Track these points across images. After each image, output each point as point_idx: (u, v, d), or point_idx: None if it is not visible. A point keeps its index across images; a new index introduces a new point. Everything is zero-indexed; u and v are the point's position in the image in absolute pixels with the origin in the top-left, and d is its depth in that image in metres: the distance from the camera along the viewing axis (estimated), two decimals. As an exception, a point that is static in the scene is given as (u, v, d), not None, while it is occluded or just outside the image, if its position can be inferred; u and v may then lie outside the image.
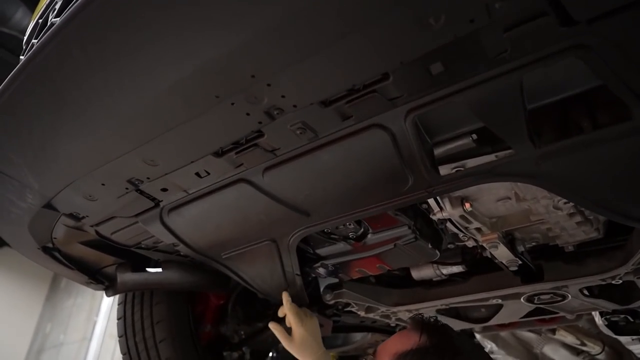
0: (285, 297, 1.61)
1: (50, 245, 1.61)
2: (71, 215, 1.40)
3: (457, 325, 1.99)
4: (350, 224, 1.42)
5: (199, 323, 2.08)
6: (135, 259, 1.75)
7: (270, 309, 2.20)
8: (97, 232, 1.50)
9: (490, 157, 1.06)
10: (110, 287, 1.85)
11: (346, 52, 0.81)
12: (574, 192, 1.03)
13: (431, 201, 1.30)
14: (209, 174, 1.20)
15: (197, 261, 1.64)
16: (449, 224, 1.40)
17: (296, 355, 1.60)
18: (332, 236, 1.50)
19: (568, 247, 1.46)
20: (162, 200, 1.33)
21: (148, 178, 1.21)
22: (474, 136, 1.05)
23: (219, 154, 1.13)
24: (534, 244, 1.49)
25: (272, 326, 1.60)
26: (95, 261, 1.77)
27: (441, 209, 1.30)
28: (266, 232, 1.40)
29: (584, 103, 0.95)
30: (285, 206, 1.26)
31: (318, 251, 1.59)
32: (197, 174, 1.20)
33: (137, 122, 1.01)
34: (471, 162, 1.09)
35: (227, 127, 1.03)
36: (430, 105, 0.94)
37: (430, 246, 1.44)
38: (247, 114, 0.98)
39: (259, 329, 2.20)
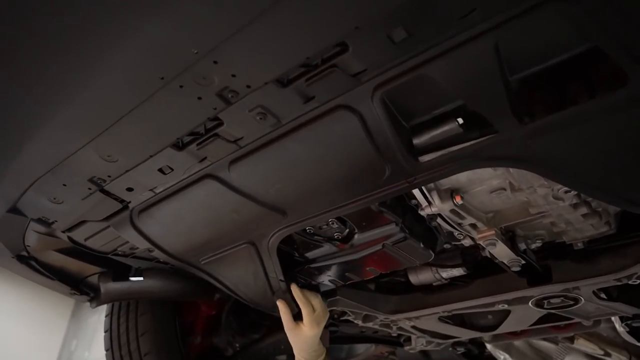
0: (294, 287, 1.49)
1: (24, 253, 1.54)
2: (40, 221, 1.34)
3: (463, 334, 1.86)
4: (333, 224, 1.32)
5: (189, 334, 1.99)
6: (116, 268, 1.67)
7: (266, 320, 2.10)
8: (70, 239, 1.43)
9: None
10: (94, 298, 1.78)
11: (292, 17, 0.72)
12: (571, 175, 0.91)
13: (419, 195, 1.19)
14: (173, 170, 1.12)
15: (179, 268, 1.55)
16: (440, 221, 1.29)
17: (296, 345, 1.51)
18: (316, 237, 1.40)
19: (577, 244, 1.33)
20: (130, 202, 1.25)
21: (109, 176, 1.13)
22: (460, 120, 0.95)
23: (179, 146, 1.05)
24: (538, 241, 1.36)
25: (280, 304, 1.49)
26: (77, 271, 1.71)
27: (429, 203, 1.19)
28: (242, 234, 1.31)
29: (576, 71, 0.84)
30: (257, 204, 1.17)
31: (304, 254, 1.49)
32: (161, 171, 1.12)
33: (84, 111, 0.94)
34: (455, 147, 0.98)
35: (180, 114, 0.94)
36: (398, 80, 0.84)
37: (422, 246, 1.32)
38: (199, 98, 0.89)
39: (255, 340, 2.10)
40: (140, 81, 0.86)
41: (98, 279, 1.68)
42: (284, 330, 1.69)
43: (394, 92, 0.87)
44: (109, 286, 1.68)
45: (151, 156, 1.06)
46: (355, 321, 1.82)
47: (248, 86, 0.87)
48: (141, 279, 1.64)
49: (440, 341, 1.99)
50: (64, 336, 7.46)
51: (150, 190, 1.20)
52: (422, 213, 1.23)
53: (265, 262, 1.40)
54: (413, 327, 1.85)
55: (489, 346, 2.08)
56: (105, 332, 1.88)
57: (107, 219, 1.32)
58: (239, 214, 1.21)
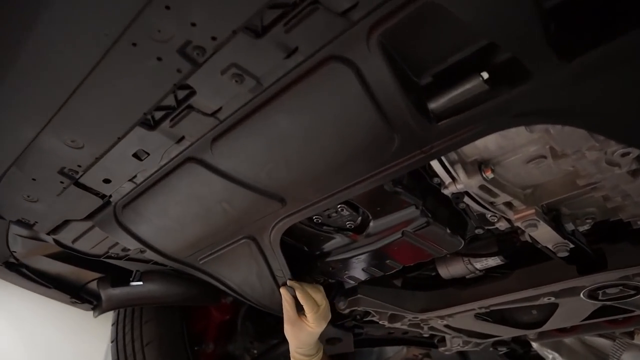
0: (295, 284, 1.33)
1: (13, 260, 1.43)
2: (20, 222, 1.22)
3: (504, 332, 1.66)
4: (343, 210, 1.15)
5: (200, 342, 1.85)
6: (115, 272, 1.55)
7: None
8: (56, 242, 1.31)
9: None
10: (97, 306, 1.66)
11: None
12: (629, 130, 0.71)
13: (440, 170, 1.00)
14: (149, 154, 0.97)
15: (179, 270, 1.41)
16: (469, 201, 1.10)
17: (295, 340, 1.37)
18: (326, 228, 1.23)
19: (637, 222, 1.12)
20: (110, 196, 1.11)
21: (79, 166, 1.00)
22: (484, 75, 0.76)
23: (150, 125, 0.90)
24: (589, 221, 1.15)
25: (284, 291, 1.33)
26: (74, 277, 1.59)
27: (454, 179, 1.00)
28: (239, 227, 1.15)
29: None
30: (249, 190, 1.01)
31: (314, 249, 1.32)
32: (136, 156, 0.97)
33: (30, 88, 0.80)
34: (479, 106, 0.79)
35: (141, 82, 0.79)
36: (399, 14, 0.66)
37: (449, 232, 1.14)
38: (159, 59, 0.74)
39: (273, 346, 1.94)
40: (82, 42, 0.71)
41: (97, 285, 1.56)
42: None
43: (396, 33, 0.69)
44: (110, 292, 1.56)
45: (119, 138, 0.91)
46: (381, 322, 1.64)
47: (214, 38, 0.71)
48: (140, 283, 1.50)
49: (479, 341, 1.78)
50: (106, 351, 7.53)
51: (130, 180, 1.06)
52: (446, 192, 1.04)
53: (270, 259, 1.24)
54: (446, 326, 1.65)
55: (535, 345, 1.86)
56: (111, 342, 1.77)
57: (90, 217, 1.18)
58: (230, 204, 1.06)
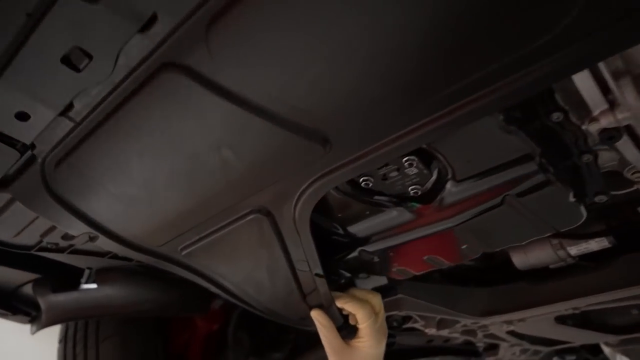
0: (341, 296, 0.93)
1: None
2: None
3: (586, 338, 1.28)
4: (411, 167, 0.74)
5: (181, 362, 1.42)
6: (58, 271, 1.10)
7: (290, 332, 1.53)
8: (-41, 227, 0.87)
9: None
10: (35, 318, 1.21)
11: None
12: None
13: (590, 89, 0.61)
14: (91, 58, 0.54)
15: (149, 267, 0.98)
16: (605, 153, 0.71)
17: None
18: (377, 198, 0.82)
19: None
20: (34, 146, 0.68)
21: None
22: None
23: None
24: None
25: (317, 315, 0.93)
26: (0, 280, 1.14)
27: (612, 104, 0.61)
28: (246, 194, 0.73)
29: None
30: (271, 121, 0.59)
31: (352, 230, 0.91)
32: (69, 63, 0.54)
33: None
34: None
35: None
36: None
37: (573, 198, 0.74)
38: None
39: (277, 362, 1.53)
40: None
41: (33, 289, 1.12)
42: (320, 347, 1.12)
43: None
44: (51, 300, 1.11)
45: (33, 25, 0.49)
46: (427, 330, 1.25)
47: None
48: (95, 286, 1.07)
49: (543, 348, 1.41)
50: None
51: (64, 115, 0.63)
52: (588, 128, 0.65)
53: (290, 244, 0.82)
54: (510, 332, 1.27)
55: (606, 349, 1.50)
56: (58, 366, 1.32)
57: (3, 184, 0.75)
58: (235, 151, 0.64)
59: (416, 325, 1.26)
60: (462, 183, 0.76)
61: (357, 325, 0.93)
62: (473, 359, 1.62)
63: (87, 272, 1.11)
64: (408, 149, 0.63)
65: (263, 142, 0.62)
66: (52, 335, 1.46)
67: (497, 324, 1.21)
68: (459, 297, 1.17)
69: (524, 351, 1.44)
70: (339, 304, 0.91)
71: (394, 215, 0.85)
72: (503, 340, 1.33)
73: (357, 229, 0.89)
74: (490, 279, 1.20)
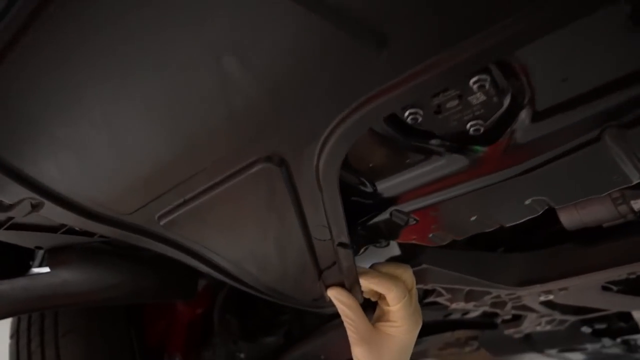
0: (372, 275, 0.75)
1: None
2: None
3: (625, 305, 1.14)
4: (482, 87, 0.54)
5: (159, 354, 1.22)
6: (-2, 254, 0.88)
7: (285, 312, 1.34)
8: None
9: None
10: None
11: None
12: None
13: None
14: None
15: (119, 243, 0.76)
16: None
17: None
18: (421, 143, 0.62)
19: None
20: None
21: None
22: None
23: None
24: None
25: (338, 294, 0.74)
26: None
27: None
28: (254, 129, 0.51)
29: None
30: (299, 3, 0.38)
31: (381, 185, 0.71)
32: None
33: None
34: None
35: None
36: None
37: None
38: None
39: (270, 346, 1.34)
40: None
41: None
42: (321, 330, 0.96)
43: None
44: (-9, 290, 0.88)
45: None
46: (453, 304, 1.08)
47: None
48: (47, 270, 0.85)
49: (572, 318, 1.27)
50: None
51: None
52: None
53: (307, 205, 0.63)
54: (546, 303, 1.12)
55: (637, 315, 1.37)
56: (10, 366, 1.10)
57: None
58: (243, 57, 0.42)
59: (439, 300, 1.09)
60: (543, 114, 0.56)
61: (388, 308, 0.75)
62: (488, 332, 1.48)
63: (36, 253, 0.89)
64: (494, 57, 0.43)
65: (285, 44, 0.41)
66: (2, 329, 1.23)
67: (533, 295, 1.05)
68: (493, 265, 1.00)
69: (550, 322, 1.31)
70: (366, 282, 0.73)
71: (442, 163, 0.65)
72: (533, 311, 1.18)
73: (391, 183, 0.69)
74: (526, 243, 1.03)
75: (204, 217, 0.65)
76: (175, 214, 0.65)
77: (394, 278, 0.74)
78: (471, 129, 0.60)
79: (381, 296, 0.77)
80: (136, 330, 1.06)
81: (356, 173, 0.69)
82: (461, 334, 1.52)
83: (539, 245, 1.01)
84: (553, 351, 1.62)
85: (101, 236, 0.77)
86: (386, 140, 0.62)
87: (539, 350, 1.58)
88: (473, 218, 0.73)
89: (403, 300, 0.73)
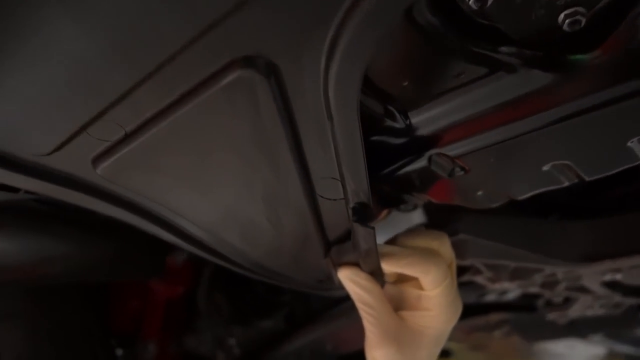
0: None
1: None
2: None
3: None
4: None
5: (129, 342, 1.05)
6: None
7: (284, 293, 1.17)
8: None
9: None
10: None
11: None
12: None
13: None
14: None
15: (57, 202, 0.57)
16: None
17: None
18: (503, 34, 0.42)
19: None
20: None
21: None
22: None
23: None
24: None
25: (353, 276, 0.57)
26: None
27: None
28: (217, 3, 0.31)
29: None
30: None
31: (419, 117, 0.51)
32: None
33: None
34: None
35: None
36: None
37: None
38: None
39: (267, 332, 1.17)
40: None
41: None
42: (329, 315, 0.81)
43: None
44: None
45: None
46: (493, 284, 0.90)
47: None
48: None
49: (634, 300, 1.09)
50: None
51: None
52: None
53: (308, 141, 0.44)
54: (608, 283, 0.93)
55: None
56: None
57: None
58: None
59: (477, 279, 0.91)
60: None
61: (421, 292, 0.57)
62: (523, 315, 1.30)
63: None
64: None
65: None
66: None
67: (597, 273, 0.87)
68: (550, 236, 0.81)
69: (605, 305, 1.13)
70: (392, 264, 0.55)
71: (513, 82, 0.45)
72: (590, 292, 1.00)
73: (434, 113, 0.49)
74: (589, 208, 0.84)
75: (158, 160, 0.46)
76: (116, 156, 0.46)
77: (430, 255, 0.56)
78: (566, 22, 0.39)
79: (407, 277, 0.59)
80: (98, 313, 0.89)
81: (382, 97, 0.49)
82: (494, 317, 1.34)
83: (608, 210, 0.82)
84: (598, 337, 1.45)
85: (28, 192, 0.59)
86: (431, 40, 0.42)
87: (583, 335, 1.41)
88: (546, 167, 0.53)
89: (444, 283, 0.55)
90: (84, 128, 0.42)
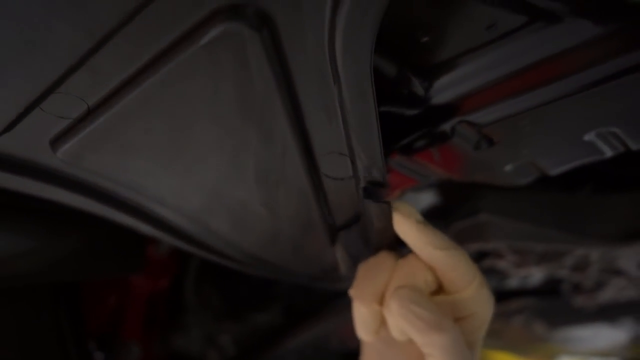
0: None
1: None
2: None
3: None
4: None
5: (106, 341, 1.02)
6: None
7: (279, 287, 1.14)
8: None
9: None
10: None
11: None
12: None
13: None
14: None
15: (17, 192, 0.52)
16: None
17: None
18: None
19: None
20: None
21: None
22: None
23: None
24: None
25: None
26: None
27: None
28: None
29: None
30: None
31: (442, 81, 0.47)
32: None
33: None
34: None
35: None
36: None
37: None
38: None
39: (264, 326, 1.15)
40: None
41: None
42: (334, 308, 0.79)
43: None
44: None
45: None
46: (518, 269, 0.87)
47: None
48: None
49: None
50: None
51: None
52: None
53: (310, 109, 0.39)
54: (648, 264, 0.90)
55: None
56: None
57: None
58: None
59: (499, 264, 0.87)
60: None
61: (453, 295, 0.51)
62: (547, 300, 1.28)
63: None
64: None
65: None
66: None
67: (636, 254, 0.84)
68: (584, 212, 0.78)
69: (637, 285, 1.11)
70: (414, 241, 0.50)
71: (555, 34, 0.41)
72: (624, 275, 0.97)
73: (460, 74, 0.45)
74: (627, 177, 0.80)
75: (129, 139, 0.41)
76: (79, 136, 0.41)
77: (452, 248, 0.51)
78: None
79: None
80: (70, 310, 0.85)
81: (398, 57, 0.45)
82: (514, 304, 1.32)
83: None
84: (627, 320, 1.43)
85: None
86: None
87: (612, 318, 1.40)
88: (589, 136, 0.49)
89: (475, 281, 0.50)
90: (36, 103, 0.38)
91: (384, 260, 0.53)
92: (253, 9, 0.31)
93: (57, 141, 0.42)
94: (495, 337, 1.74)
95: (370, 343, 0.58)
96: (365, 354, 0.59)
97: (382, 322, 0.53)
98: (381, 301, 0.52)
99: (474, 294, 0.49)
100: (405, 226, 0.47)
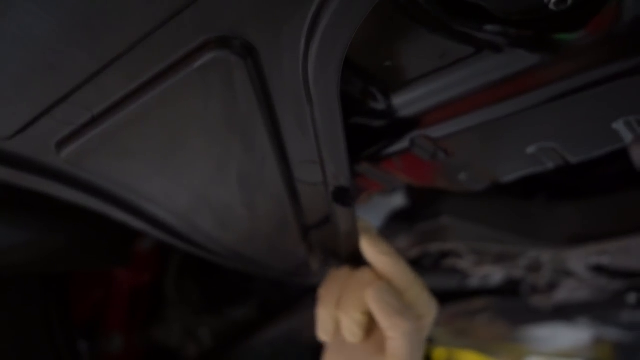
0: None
1: None
2: None
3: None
4: None
5: (91, 333, 1.07)
6: None
7: (254, 281, 1.20)
8: None
9: None
10: None
11: None
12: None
13: None
14: None
15: (13, 186, 0.57)
16: None
17: None
18: (488, 13, 0.44)
19: None
20: None
21: None
22: None
23: None
24: None
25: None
26: None
27: None
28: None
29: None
30: None
31: (401, 98, 0.53)
32: None
33: None
34: None
35: None
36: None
37: None
38: None
39: (240, 320, 1.20)
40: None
41: None
42: (308, 302, 0.84)
43: None
44: None
45: None
46: (476, 268, 0.94)
47: None
48: None
49: (619, 284, 1.15)
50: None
51: None
52: None
53: (287, 125, 0.45)
54: (594, 267, 0.98)
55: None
56: None
57: None
58: None
59: (459, 263, 0.94)
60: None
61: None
62: (506, 300, 1.36)
63: None
64: None
65: None
66: None
67: (582, 256, 0.91)
68: (536, 218, 0.85)
69: (590, 289, 1.19)
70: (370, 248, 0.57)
71: (498, 62, 0.47)
72: (574, 276, 1.05)
73: (417, 94, 0.51)
74: (576, 188, 0.88)
75: (127, 144, 0.47)
76: (82, 140, 0.46)
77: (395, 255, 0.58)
78: (552, 1, 0.42)
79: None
80: (59, 303, 0.90)
81: (363, 78, 0.51)
82: (477, 303, 1.39)
83: (595, 191, 0.86)
84: (583, 320, 1.52)
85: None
86: (414, 19, 0.44)
87: (568, 319, 1.48)
88: (531, 149, 0.56)
89: (417, 284, 0.58)
90: (47, 111, 0.43)
91: (342, 271, 0.62)
92: (240, 41, 0.37)
93: (62, 144, 0.47)
94: (463, 335, 1.82)
95: (330, 343, 0.64)
96: (327, 353, 0.65)
97: (338, 325, 0.61)
98: (337, 306, 0.60)
99: (415, 296, 0.56)
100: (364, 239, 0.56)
